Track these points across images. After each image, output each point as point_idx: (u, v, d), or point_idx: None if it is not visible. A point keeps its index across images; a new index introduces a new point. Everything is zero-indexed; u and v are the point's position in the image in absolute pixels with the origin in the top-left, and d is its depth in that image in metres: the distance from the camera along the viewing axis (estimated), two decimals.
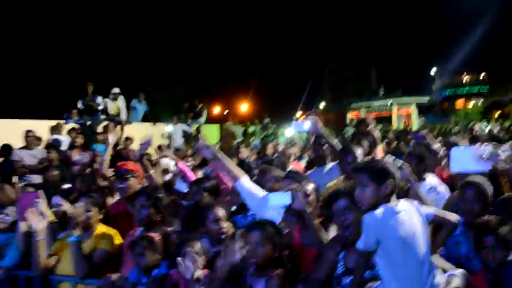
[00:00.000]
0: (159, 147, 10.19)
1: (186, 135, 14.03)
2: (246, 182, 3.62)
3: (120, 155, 7.93)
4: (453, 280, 2.45)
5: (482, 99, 40.02)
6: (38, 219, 3.50)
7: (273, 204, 3.11)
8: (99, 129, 11.34)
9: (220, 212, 3.40)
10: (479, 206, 3.00)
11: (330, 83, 65.02)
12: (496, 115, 33.41)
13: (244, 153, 8.16)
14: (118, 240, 3.72)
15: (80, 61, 22.07)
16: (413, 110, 29.12)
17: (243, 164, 5.79)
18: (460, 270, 2.53)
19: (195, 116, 15.68)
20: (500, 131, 12.59)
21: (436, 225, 2.63)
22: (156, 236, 3.34)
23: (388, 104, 29.21)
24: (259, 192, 3.60)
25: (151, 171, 4.48)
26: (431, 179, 4.27)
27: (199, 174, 5.44)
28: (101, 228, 3.74)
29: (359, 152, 4.10)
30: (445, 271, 2.54)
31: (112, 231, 3.76)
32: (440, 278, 2.41)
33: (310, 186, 3.25)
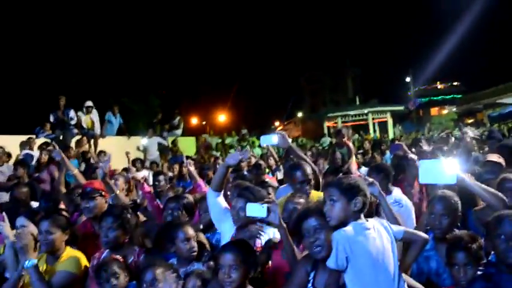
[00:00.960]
0: (134, 161, 10.06)
1: (162, 148, 13.88)
2: (220, 196, 3.73)
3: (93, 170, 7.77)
4: None
5: (455, 107, 40.93)
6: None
7: (249, 215, 3.05)
8: (72, 143, 11.13)
9: (190, 231, 3.37)
10: (448, 221, 3.01)
11: (308, 92, 65.58)
12: (469, 122, 34.15)
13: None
14: (84, 262, 3.59)
15: (51, 73, 21.58)
16: (388, 119, 29.54)
17: None
18: None
19: (172, 128, 15.57)
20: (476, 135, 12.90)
21: (406, 244, 2.62)
22: (119, 258, 3.25)
23: (365, 113, 29.55)
24: (224, 204, 3.71)
25: (117, 191, 4.35)
26: (396, 192, 4.34)
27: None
28: (68, 251, 3.60)
29: (308, 170, 4.06)
30: None
31: (78, 254, 3.62)
32: None
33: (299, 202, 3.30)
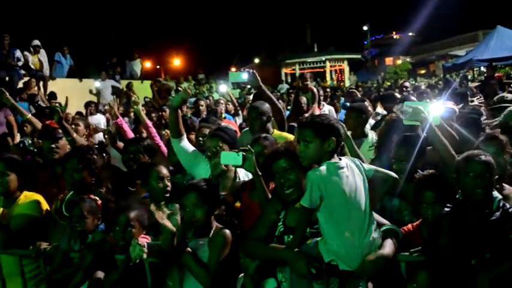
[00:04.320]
0: (88, 105, 9.67)
1: (116, 91, 13.41)
2: (184, 140, 3.66)
3: (43, 113, 7.41)
4: (389, 233, 2.53)
5: (409, 57, 41.81)
6: None
7: (224, 163, 3.03)
8: (20, 85, 10.50)
9: (164, 170, 3.33)
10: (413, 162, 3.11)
11: (265, 37, 64.65)
12: (422, 72, 35.21)
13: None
14: (45, 206, 3.46)
15: None
16: (345, 67, 29.85)
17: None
18: (394, 225, 2.62)
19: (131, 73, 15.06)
20: (427, 87, 13.32)
21: (375, 181, 2.68)
22: (97, 199, 3.15)
23: (322, 60, 29.63)
24: (191, 148, 3.65)
25: (74, 134, 4.15)
26: (373, 135, 4.38)
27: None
28: (26, 194, 3.44)
29: (266, 106, 4.06)
30: (380, 225, 2.61)
31: (37, 196, 3.47)
32: (376, 232, 2.47)
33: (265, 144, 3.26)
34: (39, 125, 4.95)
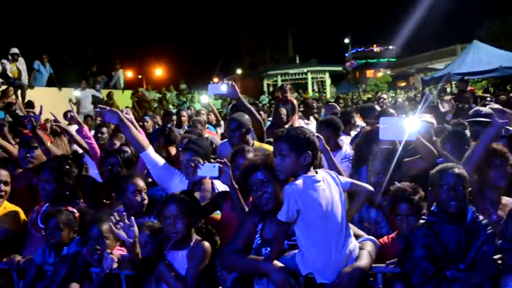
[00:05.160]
0: (65, 114, 9.52)
1: (96, 101, 13.25)
2: (151, 153, 3.51)
3: (21, 122, 7.27)
4: (366, 245, 2.55)
5: (390, 70, 42.51)
6: None
7: (201, 175, 3.02)
8: None
9: (141, 182, 3.28)
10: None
11: (247, 49, 64.96)
12: (402, 85, 35.78)
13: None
14: (22, 217, 3.40)
15: None
16: (327, 79, 30.13)
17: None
18: (371, 237, 2.64)
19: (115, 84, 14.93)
20: (405, 100, 13.55)
21: (351, 194, 2.70)
22: (74, 211, 3.09)
23: (304, 72, 29.87)
24: (161, 161, 3.54)
25: (48, 144, 4.07)
26: (346, 148, 4.41)
27: (117, 143, 5.06)
28: (5, 205, 3.37)
29: (245, 118, 4.03)
30: (357, 237, 2.63)
31: (16, 208, 3.41)
32: (353, 243, 2.49)
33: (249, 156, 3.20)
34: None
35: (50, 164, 3.39)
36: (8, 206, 3.39)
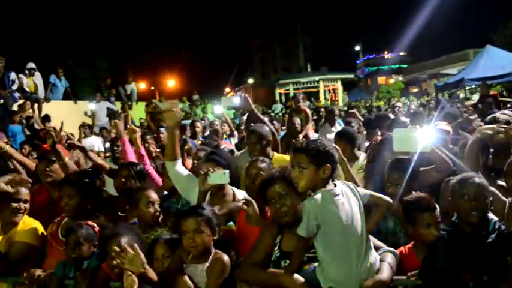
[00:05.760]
0: (81, 126, 9.63)
1: (111, 113, 13.39)
2: (179, 164, 3.56)
3: (38, 135, 7.40)
4: (386, 257, 2.53)
5: (402, 76, 42.27)
6: None
7: (211, 183, 3.05)
8: (15, 108, 10.48)
9: (154, 194, 3.31)
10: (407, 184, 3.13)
11: (258, 58, 65.26)
12: (414, 91, 35.54)
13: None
14: (41, 231, 3.45)
15: None
16: (338, 86, 30.06)
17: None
18: (391, 248, 2.62)
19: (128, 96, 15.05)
20: (418, 107, 13.42)
21: (370, 206, 2.68)
22: (94, 225, 3.12)
23: (316, 80, 29.85)
24: (186, 172, 3.56)
25: (66, 159, 4.12)
26: (363, 158, 4.38)
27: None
28: (25, 219, 3.44)
29: (265, 130, 4.01)
30: (376, 248, 2.60)
31: (35, 223, 3.47)
32: (374, 255, 2.47)
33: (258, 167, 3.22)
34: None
35: (72, 179, 3.44)
36: (27, 221, 3.45)
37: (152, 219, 3.24)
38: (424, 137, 2.58)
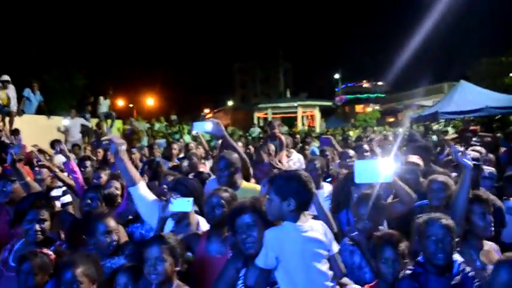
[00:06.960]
0: (53, 143, 9.39)
1: (85, 130, 13.14)
2: (142, 188, 3.37)
3: (5, 149, 7.15)
4: None
5: (379, 105, 43.17)
6: None
7: (172, 210, 2.95)
8: None
9: (112, 223, 3.18)
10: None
11: (239, 81, 65.76)
12: (391, 121, 36.17)
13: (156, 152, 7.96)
14: None
15: None
16: (316, 113, 30.41)
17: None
18: (356, 286, 2.57)
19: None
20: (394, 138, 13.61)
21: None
22: (49, 253, 2.95)
23: (294, 106, 30.15)
24: (151, 197, 3.38)
25: (27, 178, 3.98)
26: (327, 187, 4.41)
27: (103, 176, 4.90)
28: None
29: (234, 157, 3.90)
30: (342, 286, 2.56)
31: None
32: None
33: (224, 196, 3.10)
34: None
35: (39, 205, 3.29)
36: None
37: (108, 249, 3.11)
38: (385, 167, 2.57)
